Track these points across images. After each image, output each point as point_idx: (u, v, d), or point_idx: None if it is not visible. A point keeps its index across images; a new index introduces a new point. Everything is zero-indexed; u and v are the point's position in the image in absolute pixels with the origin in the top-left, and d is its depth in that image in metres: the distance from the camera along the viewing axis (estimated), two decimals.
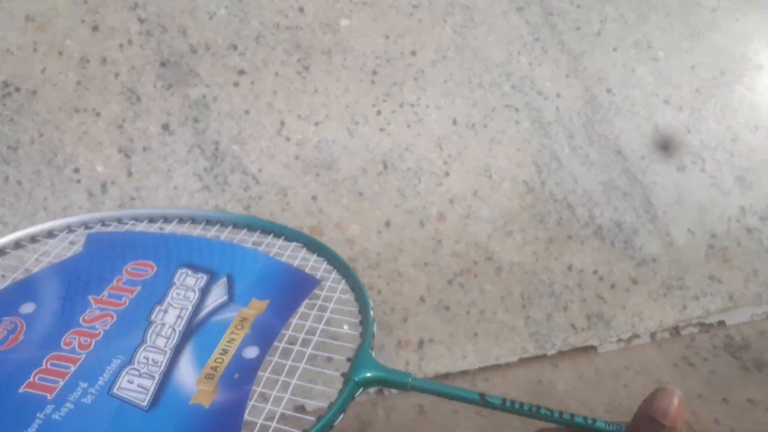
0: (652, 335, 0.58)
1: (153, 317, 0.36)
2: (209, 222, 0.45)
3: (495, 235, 0.59)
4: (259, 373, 0.34)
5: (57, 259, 0.40)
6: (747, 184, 0.64)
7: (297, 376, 0.34)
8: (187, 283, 0.39)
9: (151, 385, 0.33)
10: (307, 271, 0.42)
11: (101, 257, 0.40)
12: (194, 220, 0.45)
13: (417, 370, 0.57)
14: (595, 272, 0.60)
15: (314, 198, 0.57)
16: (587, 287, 0.59)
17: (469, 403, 0.33)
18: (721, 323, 0.59)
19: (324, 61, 0.60)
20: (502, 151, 0.60)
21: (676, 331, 0.58)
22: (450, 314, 0.58)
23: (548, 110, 0.61)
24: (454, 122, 0.60)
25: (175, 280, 0.39)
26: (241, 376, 0.34)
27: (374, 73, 0.60)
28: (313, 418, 0.31)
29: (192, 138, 0.56)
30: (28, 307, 0.36)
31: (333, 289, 0.40)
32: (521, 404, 0.33)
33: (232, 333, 0.36)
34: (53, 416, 0.30)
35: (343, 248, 0.57)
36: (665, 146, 0.59)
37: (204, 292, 0.38)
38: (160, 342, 0.35)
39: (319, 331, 0.37)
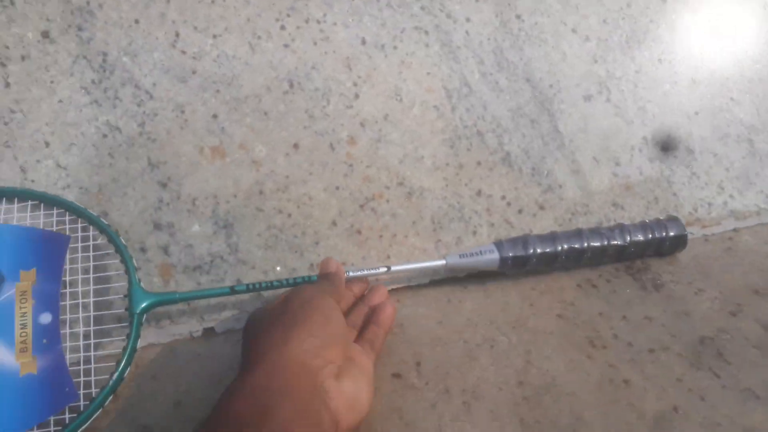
0: None
1: None
2: None
3: (406, 160, 0.66)
4: (62, 331, 0.45)
5: None
6: (649, 115, 0.76)
7: (91, 324, 0.46)
8: None
9: None
10: (54, 229, 0.50)
11: None
12: None
13: None
14: (503, 198, 0.69)
15: (215, 116, 0.62)
16: (495, 212, 0.69)
17: (223, 296, 0.55)
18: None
19: None
20: (412, 75, 0.67)
21: None
22: (362, 238, 0.66)
23: (458, 34, 0.70)
24: (363, 42, 0.67)
25: None
26: (48, 340, 0.43)
27: None
28: (119, 350, 0.46)
29: (76, 48, 0.59)
30: None
31: (85, 239, 0.51)
32: (260, 283, 0.55)
33: (21, 308, 0.44)
34: None
35: (248, 171, 0.63)
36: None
37: None
38: None
39: (92, 281, 0.49)
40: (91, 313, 0.48)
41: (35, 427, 0.40)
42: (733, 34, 0.83)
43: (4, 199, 0.53)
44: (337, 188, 0.67)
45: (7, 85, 0.59)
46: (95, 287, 0.49)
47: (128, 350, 0.46)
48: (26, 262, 0.46)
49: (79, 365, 0.44)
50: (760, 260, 0.73)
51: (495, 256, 0.63)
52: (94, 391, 0.45)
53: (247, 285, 0.56)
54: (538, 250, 0.63)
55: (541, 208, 0.72)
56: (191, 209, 0.63)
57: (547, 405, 0.53)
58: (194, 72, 0.63)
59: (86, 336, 0.46)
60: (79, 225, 0.52)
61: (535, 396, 0.54)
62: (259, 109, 0.64)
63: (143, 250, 0.62)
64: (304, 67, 0.66)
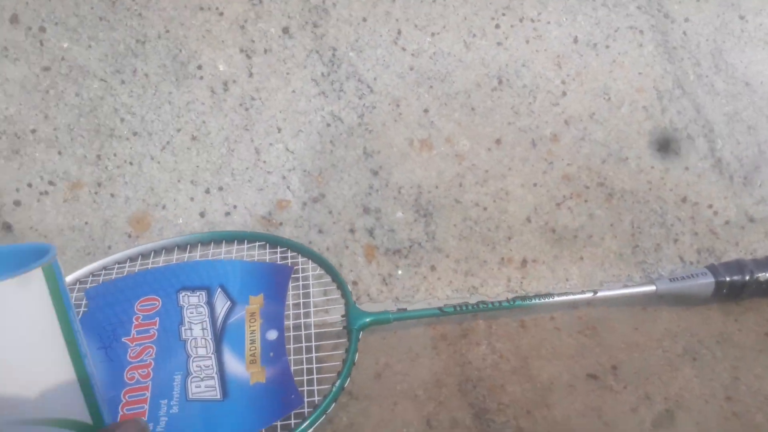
0: None
1: (183, 336, 0.53)
2: (180, 247, 0.64)
3: (609, 160, 0.68)
4: (287, 346, 0.53)
5: None
6: None
7: (313, 340, 0.53)
8: (192, 302, 0.55)
9: (214, 383, 0.49)
10: (278, 262, 0.61)
11: (109, 306, 0.56)
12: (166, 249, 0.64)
13: (518, 288, 0.69)
14: (710, 206, 0.69)
15: (426, 111, 0.68)
16: (700, 221, 0.69)
17: (432, 317, 0.59)
18: None
19: None
20: (623, 74, 0.69)
21: None
22: (556, 236, 0.69)
23: (674, 34, 0.70)
24: (575, 41, 0.69)
25: (182, 303, 0.56)
26: (275, 353, 0.51)
27: None
28: (339, 363, 0.53)
29: (311, 43, 0.68)
30: None
31: (305, 270, 0.61)
32: (467, 305, 0.57)
33: (250, 326, 0.53)
34: (157, 430, 0.46)
35: (452, 164, 0.68)
36: None
37: (210, 305, 0.55)
38: (202, 351, 0.51)
39: (312, 304, 0.58)
40: (312, 331, 0.55)
41: (263, 431, 0.47)
42: None
43: (236, 241, 0.65)
44: (535, 185, 0.70)
45: (251, 75, 0.68)
46: (315, 309, 0.58)
47: (348, 362, 0.52)
48: (255, 289, 0.57)
49: (303, 376, 0.51)
50: None
51: (709, 280, 0.62)
52: (317, 399, 0.50)
53: (455, 307, 0.60)
54: (757, 276, 0.62)
55: (751, 220, 0.70)
56: (397, 197, 0.70)
57: (761, 424, 0.53)
58: (411, 68, 0.69)
59: (308, 350, 0.53)
60: (300, 259, 0.62)
61: (747, 413, 0.54)
62: (468, 104, 0.69)
63: (352, 231, 0.70)
64: (514, 64, 0.69)
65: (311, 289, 0.59)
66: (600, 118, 0.69)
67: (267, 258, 0.63)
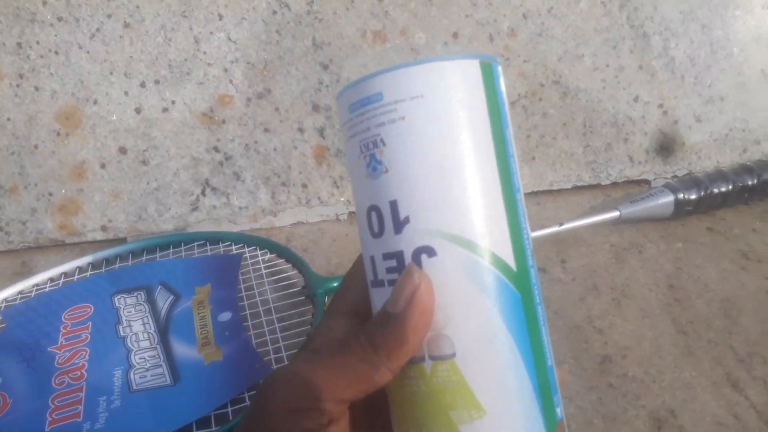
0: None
1: (122, 334, 0.53)
2: (108, 261, 0.63)
3: (565, 58, 0.68)
4: (245, 324, 0.53)
5: None
6: None
7: (276, 318, 0.53)
8: (129, 302, 0.56)
9: (162, 370, 0.50)
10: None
11: (30, 321, 0.55)
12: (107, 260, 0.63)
13: None
14: (661, 106, 0.70)
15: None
16: (650, 120, 0.70)
17: None
18: None
19: None
20: None
21: None
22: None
23: None
24: None
25: (117, 305, 0.56)
26: (231, 332, 0.52)
27: None
28: (306, 327, 0.53)
29: None
30: None
31: (254, 256, 0.61)
32: None
33: (199, 313, 0.54)
34: (96, 427, 0.46)
35: (406, 58, 0.67)
36: None
37: (151, 302, 0.56)
38: (144, 344, 0.52)
39: (267, 283, 0.58)
40: (272, 306, 0.56)
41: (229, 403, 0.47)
42: None
43: (171, 246, 0.63)
44: None
45: None
46: (272, 286, 0.58)
47: (316, 323, 0.52)
48: (201, 280, 0.58)
49: (269, 346, 0.51)
50: None
51: (669, 198, 0.64)
52: (287, 361, 0.51)
53: None
54: (714, 191, 0.65)
55: (698, 120, 0.72)
56: None
57: (700, 308, 0.56)
58: None
59: (270, 323, 0.54)
60: (246, 248, 0.62)
61: (688, 299, 0.58)
62: None
63: (301, 130, 0.68)
64: None
65: (263, 271, 0.59)
66: (558, 13, 0.68)
67: (209, 252, 0.63)
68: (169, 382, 0.49)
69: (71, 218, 0.67)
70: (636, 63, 0.70)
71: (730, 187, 0.65)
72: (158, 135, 0.66)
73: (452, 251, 0.24)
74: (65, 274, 0.62)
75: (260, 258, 0.61)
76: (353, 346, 0.25)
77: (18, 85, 0.64)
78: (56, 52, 0.64)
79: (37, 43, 0.64)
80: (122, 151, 0.66)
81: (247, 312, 0.56)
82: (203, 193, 0.68)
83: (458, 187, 0.24)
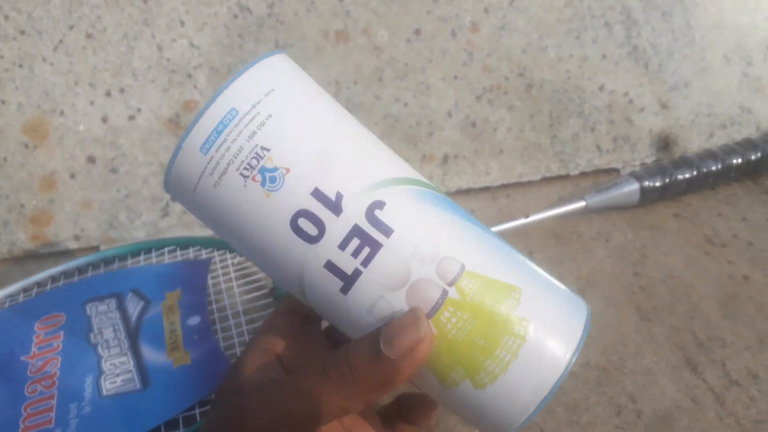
0: None
1: (93, 341, 0.54)
2: (81, 269, 0.63)
3: (529, 50, 0.69)
4: (213, 327, 0.54)
5: None
6: None
7: (244, 321, 0.55)
8: (101, 310, 0.57)
9: (132, 375, 0.51)
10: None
11: (5, 331, 0.56)
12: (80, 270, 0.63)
13: (441, 185, 0.70)
14: (626, 94, 0.71)
15: None
16: (616, 109, 0.71)
17: None
18: None
19: None
20: None
21: None
22: (476, 130, 0.70)
23: None
24: None
25: (89, 312, 0.57)
26: (199, 336, 0.53)
27: None
28: None
29: None
30: None
31: (224, 259, 0.62)
32: None
33: (168, 319, 0.55)
34: None
35: (370, 57, 0.67)
36: None
37: (121, 309, 0.57)
38: (115, 351, 0.53)
39: (236, 286, 0.59)
40: (240, 308, 0.57)
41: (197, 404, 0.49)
42: None
43: (142, 252, 0.64)
44: (456, 77, 0.70)
45: None
46: (241, 289, 0.59)
47: None
48: (171, 285, 0.59)
49: (236, 349, 0.53)
50: None
51: (634, 186, 0.65)
52: None
53: None
54: (679, 177, 0.66)
55: (664, 107, 0.73)
56: None
57: (663, 294, 0.58)
58: None
59: (238, 325, 0.55)
60: (216, 252, 0.63)
61: (652, 286, 0.59)
62: None
63: None
64: None
65: (232, 274, 0.60)
66: (520, 6, 0.69)
67: (180, 259, 0.64)
68: (138, 386, 0.50)
69: (43, 229, 0.68)
70: (599, 53, 0.71)
71: (695, 173, 0.67)
72: (126, 143, 0.67)
73: (394, 193, 0.26)
74: (38, 284, 0.63)
75: (229, 261, 0.62)
76: (332, 375, 0.25)
77: None
78: (20, 66, 0.65)
79: (1, 57, 0.64)
80: (91, 160, 0.67)
81: (216, 315, 0.57)
82: (173, 198, 0.68)
83: (358, 137, 0.26)
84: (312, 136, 0.25)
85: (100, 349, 0.54)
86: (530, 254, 0.64)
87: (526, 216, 0.63)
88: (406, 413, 0.32)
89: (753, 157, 0.68)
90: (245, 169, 0.24)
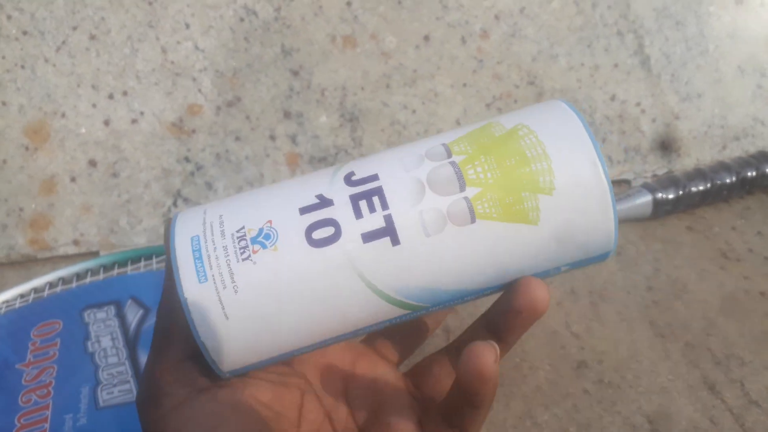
0: None
1: (90, 350, 0.52)
2: (79, 276, 0.62)
3: (539, 58, 0.68)
4: None
5: None
6: None
7: None
8: (100, 317, 0.55)
9: (130, 386, 0.49)
10: None
11: (0, 338, 0.54)
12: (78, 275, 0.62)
13: None
14: (638, 104, 0.70)
15: (349, 3, 0.65)
16: (628, 119, 0.70)
17: None
18: None
19: None
20: None
21: None
22: None
23: None
24: None
25: (87, 320, 0.55)
26: None
27: None
28: None
29: None
30: None
31: None
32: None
33: None
34: None
35: (378, 62, 0.66)
36: None
37: (120, 317, 0.55)
38: (113, 360, 0.51)
39: None
40: None
41: None
42: None
43: (142, 258, 0.63)
44: (465, 85, 0.69)
45: None
46: None
47: None
48: None
49: None
50: None
51: (647, 198, 0.63)
52: None
53: None
54: (692, 189, 0.64)
55: (677, 118, 0.72)
56: (320, 100, 0.67)
57: (678, 310, 0.56)
58: None
59: None
60: None
61: (666, 301, 0.57)
62: None
63: (272, 137, 0.67)
64: None
65: None
66: (530, 13, 0.67)
67: None
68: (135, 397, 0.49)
69: (42, 233, 0.66)
70: (611, 62, 0.70)
71: (709, 185, 0.65)
72: (128, 147, 0.66)
73: (386, 160, 0.26)
74: (35, 290, 0.61)
75: None
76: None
77: None
78: (22, 66, 0.64)
79: (3, 57, 0.63)
80: (92, 164, 0.66)
81: None
82: (175, 204, 0.67)
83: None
84: (258, 193, 0.26)
85: (97, 358, 0.52)
86: None
87: None
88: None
89: (767, 170, 0.66)
90: (242, 254, 0.24)
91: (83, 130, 0.65)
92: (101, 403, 0.48)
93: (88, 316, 0.56)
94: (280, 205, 0.25)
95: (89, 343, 0.54)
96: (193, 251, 0.24)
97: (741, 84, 0.72)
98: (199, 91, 0.65)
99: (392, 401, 0.28)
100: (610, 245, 0.26)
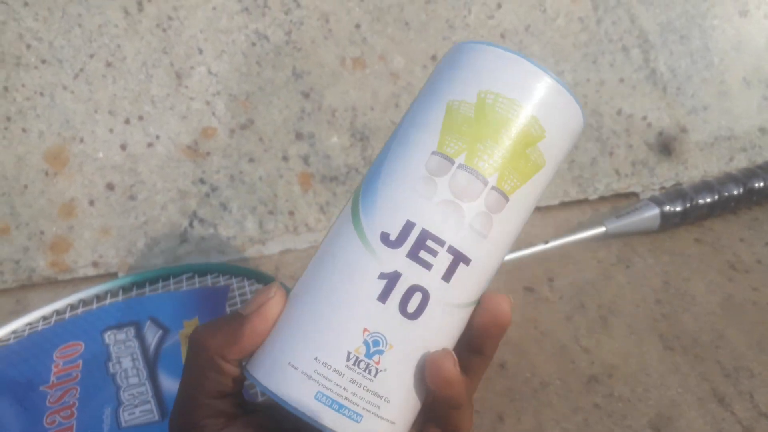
0: None
1: (112, 371, 0.54)
2: (99, 297, 0.63)
3: None
4: None
5: None
6: None
7: None
8: (120, 338, 0.57)
9: (150, 406, 0.51)
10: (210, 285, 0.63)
11: (23, 361, 0.56)
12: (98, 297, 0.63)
13: None
14: (644, 118, 0.71)
15: (357, 26, 0.67)
16: (635, 133, 0.71)
17: None
18: None
19: None
20: None
21: None
22: None
23: None
24: None
25: (108, 341, 0.57)
26: None
27: None
28: None
29: None
30: None
31: (241, 286, 0.62)
32: None
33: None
34: None
35: (386, 83, 0.68)
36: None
37: (140, 337, 0.57)
38: (134, 381, 0.53)
39: None
40: None
41: None
42: None
43: (160, 279, 0.64)
44: None
45: None
46: None
47: None
48: (189, 314, 0.59)
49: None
50: None
51: (655, 211, 0.64)
52: None
53: None
54: (699, 202, 0.65)
55: (683, 130, 0.73)
56: (331, 120, 0.69)
57: (686, 323, 0.57)
58: None
59: None
60: (234, 279, 0.63)
61: (674, 314, 0.58)
62: (401, 18, 0.68)
63: (285, 158, 0.69)
64: None
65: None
66: (535, 31, 0.69)
67: (199, 286, 0.64)
68: (157, 418, 0.50)
69: (62, 255, 0.68)
70: (617, 76, 0.71)
71: (716, 197, 0.66)
72: (144, 170, 0.68)
73: (400, 201, 0.26)
74: (57, 312, 0.63)
75: (247, 288, 0.62)
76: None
77: (6, 128, 0.66)
78: (42, 94, 0.66)
79: (23, 85, 0.65)
80: (110, 187, 0.68)
81: None
82: (191, 225, 0.69)
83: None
84: (318, 310, 0.26)
85: (118, 379, 0.54)
86: (550, 280, 0.63)
87: (546, 242, 0.63)
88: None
89: None
90: (370, 372, 0.25)
91: (101, 155, 0.67)
92: (123, 424, 0.50)
93: (109, 337, 0.58)
94: (357, 308, 0.25)
95: (110, 364, 0.55)
96: (329, 406, 0.24)
97: (747, 95, 0.73)
98: (213, 114, 0.67)
99: None
100: (581, 118, 0.28)
